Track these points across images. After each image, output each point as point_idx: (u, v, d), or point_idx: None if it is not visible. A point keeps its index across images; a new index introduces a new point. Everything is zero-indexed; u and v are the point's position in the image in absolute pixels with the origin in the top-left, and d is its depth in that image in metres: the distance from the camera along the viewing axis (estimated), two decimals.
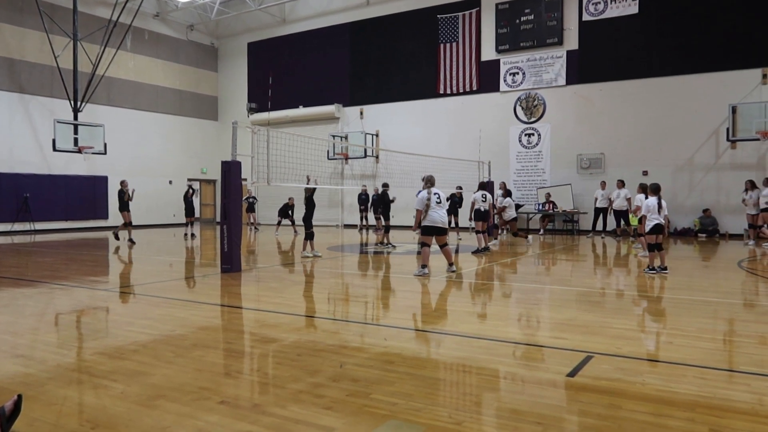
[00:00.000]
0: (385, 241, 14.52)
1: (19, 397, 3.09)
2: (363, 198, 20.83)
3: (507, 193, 15.28)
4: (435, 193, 9.17)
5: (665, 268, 9.23)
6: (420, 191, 9.53)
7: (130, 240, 15.94)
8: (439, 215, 9.12)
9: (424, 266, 9.19)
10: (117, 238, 16.36)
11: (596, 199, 17.10)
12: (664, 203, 9.54)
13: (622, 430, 3.09)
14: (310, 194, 11.99)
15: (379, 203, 20.14)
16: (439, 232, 9.24)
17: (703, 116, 17.29)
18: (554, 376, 4.03)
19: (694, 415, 3.30)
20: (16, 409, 3.04)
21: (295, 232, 19.76)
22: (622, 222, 16.49)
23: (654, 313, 6.48)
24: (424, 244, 9.33)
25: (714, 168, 17.30)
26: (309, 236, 12.18)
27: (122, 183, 16.35)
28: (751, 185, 14.52)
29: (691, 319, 6.00)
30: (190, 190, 18.57)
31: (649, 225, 9.35)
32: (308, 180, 12.04)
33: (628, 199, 15.44)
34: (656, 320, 6.09)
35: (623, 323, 5.72)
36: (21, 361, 4.49)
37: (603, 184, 17.10)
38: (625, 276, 9.78)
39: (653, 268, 9.25)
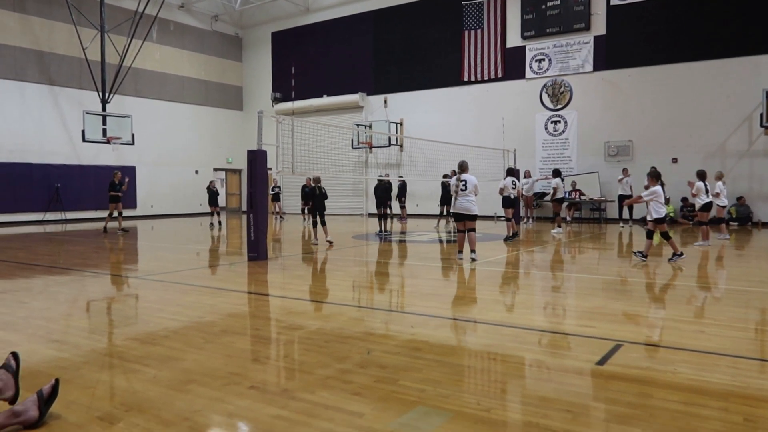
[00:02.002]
0: (383, 228, 14.86)
1: (56, 381, 3.17)
2: (387, 187, 20.71)
3: (556, 173, 15.13)
4: (462, 180, 9.34)
5: (682, 254, 9.18)
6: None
7: (123, 230, 16.24)
8: (460, 201, 9.33)
9: (459, 251, 9.54)
10: (106, 230, 16.32)
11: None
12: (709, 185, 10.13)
13: (653, 418, 3.06)
14: (313, 189, 12.69)
15: (402, 192, 20.15)
16: (460, 217, 9.48)
17: (736, 101, 16.85)
18: (583, 365, 3.99)
19: (727, 404, 3.24)
20: (53, 392, 3.12)
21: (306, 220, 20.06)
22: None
23: (684, 302, 6.36)
24: (458, 230, 9.63)
25: (747, 154, 16.87)
26: (315, 224, 12.82)
27: (116, 174, 16.55)
28: None
29: (723, 307, 5.89)
30: (213, 182, 18.92)
31: (662, 212, 9.22)
32: (313, 179, 12.72)
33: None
34: (687, 309, 5.98)
35: (653, 312, 5.63)
36: (56, 345, 4.60)
37: (625, 171, 16.69)
38: (654, 264, 9.62)
39: (681, 254, 9.15)
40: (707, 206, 11.51)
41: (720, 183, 12.38)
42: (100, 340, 4.85)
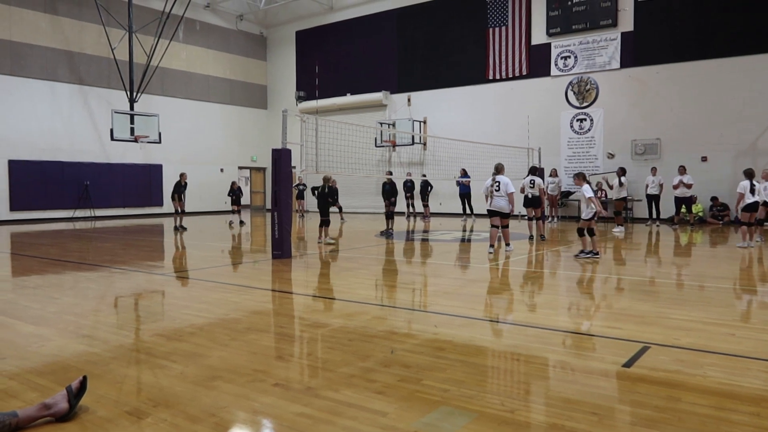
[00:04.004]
0: (390, 226, 14.78)
1: (85, 377, 3.26)
2: (409, 185, 20.71)
3: (624, 172, 15.21)
4: (497, 181, 10.24)
5: (597, 253, 9.61)
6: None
7: (182, 226, 16.33)
8: (495, 201, 10.26)
9: (491, 245, 10.41)
10: (183, 228, 16.25)
11: (647, 186, 16.41)
12: (758, 185, 10.68)
13: (681, 422, 3.00)
14: (321, 189, 12.60)
15: (425, 191, 20.09)
16: (494, 215, 10.40)
17: None
18: (609, 367, 3.94)
19: (759, 409, 3.17)
20: (82, 387, 3.19)
21: (342, 219, 19.87)
22: (684, 209, 15.86)
23: (714, 304, 6.22)
24: (492, 225, 10.53)
25: None
26: (323, 223, 12.51)
27: (183, 175, 16.66)
28: None
29: (755, 310, 5.75)
30: (236, 184, 18.92)
31: (590, 213, 9.68)
32: (324, 178, 12.56)
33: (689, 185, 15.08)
34: (716, 311, 5.85)
35: (681, 314, 5.53)
36: (86, 341, 4.69)
37: (654, 170, 16.36)
38: (682, 265, 9.46)
39: (589, 252, 9.56)
40: (750, 206, 11.12)
41: None
42: (128, 335, 4.94)
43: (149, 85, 21.99)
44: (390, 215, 14.77)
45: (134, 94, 21.39)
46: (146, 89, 21.84)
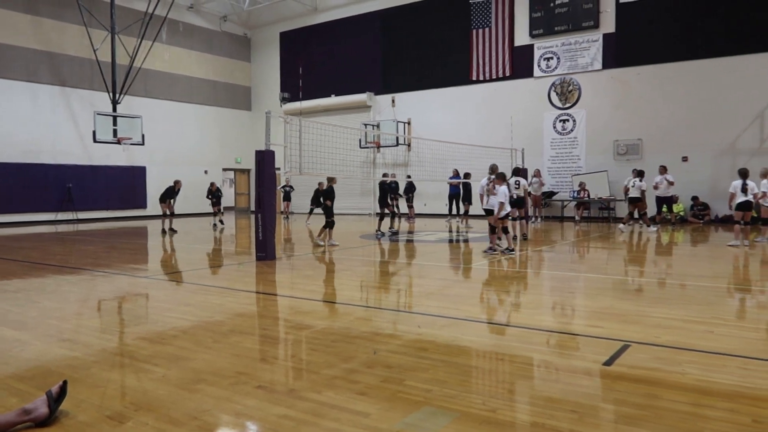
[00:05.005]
0: (393, 226, 15.08)
1: (65, 382, 3.23)
2: (393, 186, 20.67)
3: (640, 174, 15.09)
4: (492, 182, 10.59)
5: (512, 250, 10.40)
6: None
7: (172, 229, 16.18)
8: (492, 200, 10.51)
9: (510, 250, 10.52)
10: (166, 231, 16.07)
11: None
12: (751, 184, 10.97)
13: (660, 419, 3.05)
14: (326, 190, 12.42)
15: (409, 191, 20.13)
16: (490, 213, 10.65)
17: (748, 99, 16.68)
18: (590, 365, 3.99)
19: (735, 405, 3.23)
20: (62, 392, 3.17)
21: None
22: (665, 208, 16.01)
23: (694, 302, 6.31)
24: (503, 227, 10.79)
25: (758, 153, 16.69)
26: (329, 225, 12.37)
27: (178, 182, 16.45)
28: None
29: (733, 308, 5.85)
30: (214, 187, 18.73)
31: (506, 210, 10.33)
32: (328, 181, 12.45)
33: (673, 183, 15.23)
34: (696, 309, 5.93)
35: (661, 312, 5.60)
36: (67, 345, 4.65)
37: (635, 172, 16.37)
38: (662, 264, 9.58)
39: (494, 249, 10.26)
40: (741, 205, 11.17)
41: (766, 181, 11.48)
42: (111, 339, 4.90)
43: (132, 87, 21.79)
44: (393, 215, 14.94)
45: (117, 95, 21.19)
46: (129, 91, 21.65)
